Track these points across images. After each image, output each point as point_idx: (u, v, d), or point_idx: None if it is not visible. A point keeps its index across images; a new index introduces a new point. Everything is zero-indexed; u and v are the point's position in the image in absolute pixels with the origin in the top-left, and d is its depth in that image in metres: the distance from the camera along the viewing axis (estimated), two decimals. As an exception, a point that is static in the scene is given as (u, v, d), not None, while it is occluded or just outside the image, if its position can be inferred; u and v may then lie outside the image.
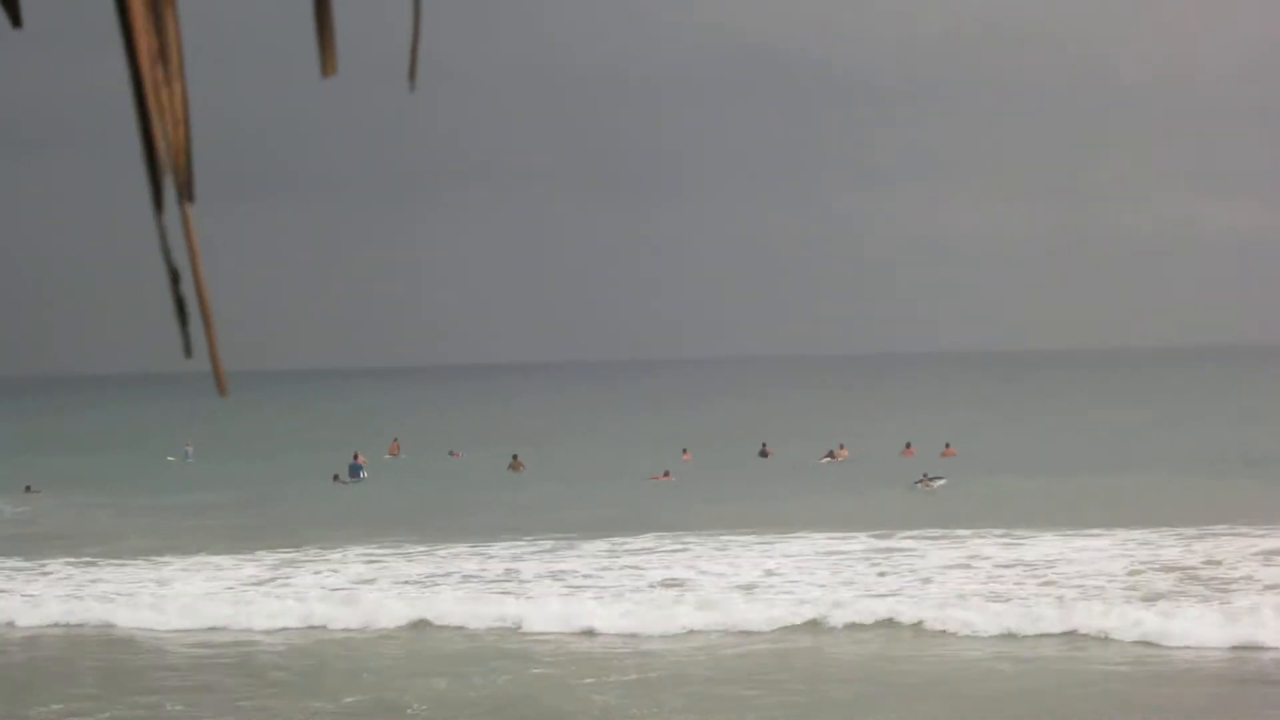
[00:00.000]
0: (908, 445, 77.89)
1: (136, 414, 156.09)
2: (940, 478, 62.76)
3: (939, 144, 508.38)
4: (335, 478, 70.86)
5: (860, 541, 44.69)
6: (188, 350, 2.84)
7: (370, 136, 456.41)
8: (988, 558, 41.40)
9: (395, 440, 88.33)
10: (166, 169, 2.80)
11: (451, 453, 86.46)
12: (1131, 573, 38.34)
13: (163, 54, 2.80)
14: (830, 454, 76.84)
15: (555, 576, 40.33)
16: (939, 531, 45.62)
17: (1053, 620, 32.75)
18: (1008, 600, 35.10)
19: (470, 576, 40.71)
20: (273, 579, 40.93)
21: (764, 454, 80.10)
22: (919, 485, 62.13)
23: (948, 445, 77.32)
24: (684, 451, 79.05)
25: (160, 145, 2.78)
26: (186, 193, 2.81)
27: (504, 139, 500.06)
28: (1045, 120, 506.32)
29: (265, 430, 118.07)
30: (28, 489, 70.05)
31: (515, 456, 78.01)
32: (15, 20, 3.00)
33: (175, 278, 2.81)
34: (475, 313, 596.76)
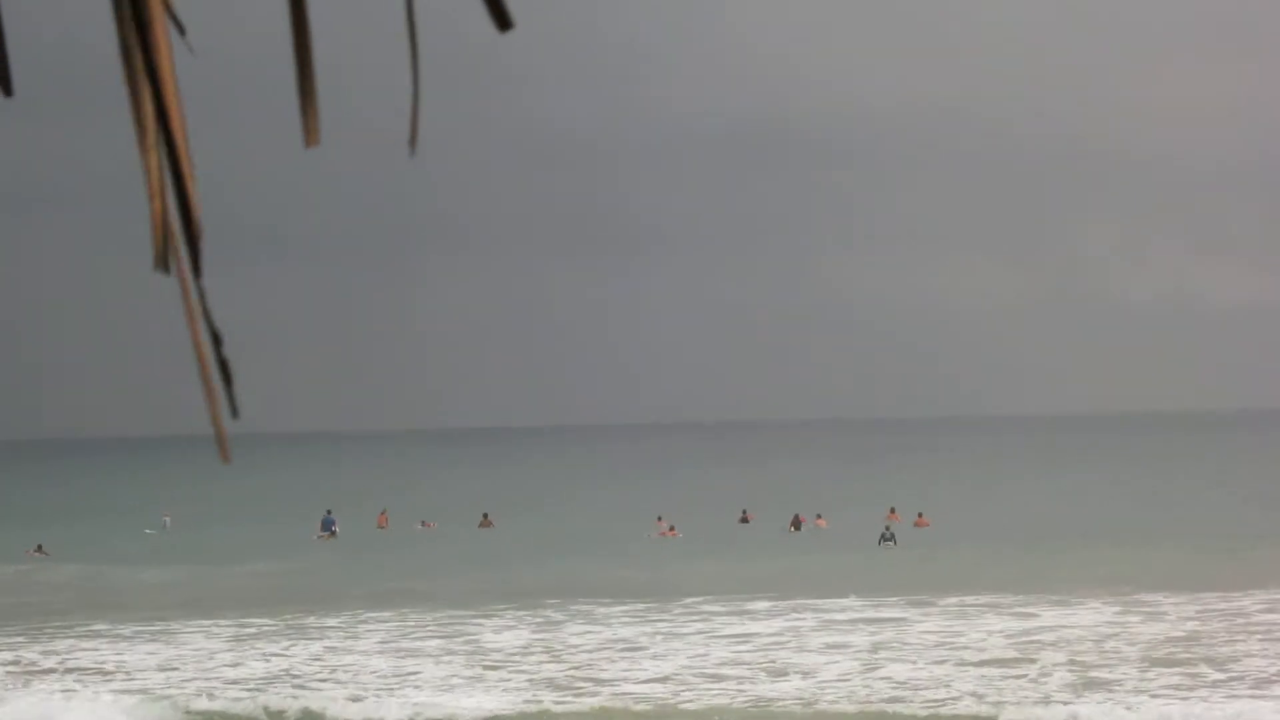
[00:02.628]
0: (891, 510, 78.09)
1: (129, 479, 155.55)
2: (892, 538, 65.88)
3: (929, 211, 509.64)
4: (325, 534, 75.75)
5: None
6: (235, 411, 2.90)
7: (355, 202, 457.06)
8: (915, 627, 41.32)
9: (383, 512, 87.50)
10: (161, 237, 2.85)
11: (424, 523, 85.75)
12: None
13: (140, 123, 2.86)
14: (795, 523, 76.70)
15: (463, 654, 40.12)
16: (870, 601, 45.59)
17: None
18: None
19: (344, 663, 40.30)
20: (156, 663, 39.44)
21: (744, 520, 79.91)
22: (884, 543, 65.05)
23: (920, 515, 77.38)
24: (658, 519, 78.32)
25: (196, 209, 2.84)
26: (163, 265, 2.84)
27: (489, 207, 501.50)
28: (1037, 188, 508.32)
29: (250, 499, 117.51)
30: (39, 548, 72.79)
31: (485, 515, 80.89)
32: (7, 90, 3.07)
33: (219, 340, 2.86)
34: (463, 377, 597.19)
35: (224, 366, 2.88)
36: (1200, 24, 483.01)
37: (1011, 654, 37.40)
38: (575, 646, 40.34)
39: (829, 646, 39.10)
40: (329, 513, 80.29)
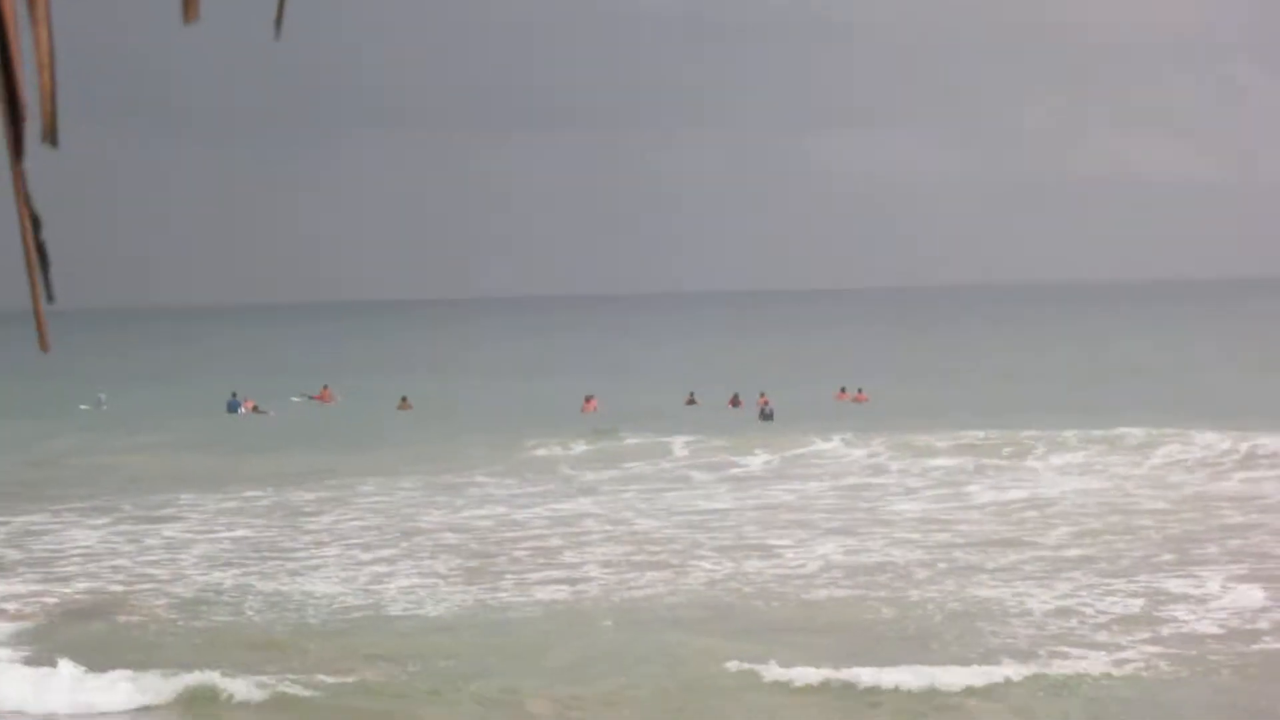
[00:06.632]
0: (841, 389, 77.18)
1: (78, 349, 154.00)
2: (770, 415, 67.73)
3: (878, 86, 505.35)
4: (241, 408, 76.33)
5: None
6: (50, 295, 2.86)
7: (263, 72, 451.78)
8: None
9: (325, 386, 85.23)
10: (50, 111, 2.83)
11: (310, 395, 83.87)
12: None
13: None
14: (734, 401, 75.89)
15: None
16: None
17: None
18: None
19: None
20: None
21: (691, 402, 77.66)
22: (763, 420, 66.76)
23: (860, 390, 76.98)
24: (586, 398, 76.30)
25: (21, 91, 2.77)
26: (52, 138, 2.83)
27: (435, 79, 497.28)
28: (979, 63, 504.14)
29: (211, 372, 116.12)
30: None
31: (404, 398, 78.23)
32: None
33: (38, 224, 2.81)
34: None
35: (41, 250, 2.86)
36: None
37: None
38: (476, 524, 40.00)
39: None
40: (234, 395, 78.07)
